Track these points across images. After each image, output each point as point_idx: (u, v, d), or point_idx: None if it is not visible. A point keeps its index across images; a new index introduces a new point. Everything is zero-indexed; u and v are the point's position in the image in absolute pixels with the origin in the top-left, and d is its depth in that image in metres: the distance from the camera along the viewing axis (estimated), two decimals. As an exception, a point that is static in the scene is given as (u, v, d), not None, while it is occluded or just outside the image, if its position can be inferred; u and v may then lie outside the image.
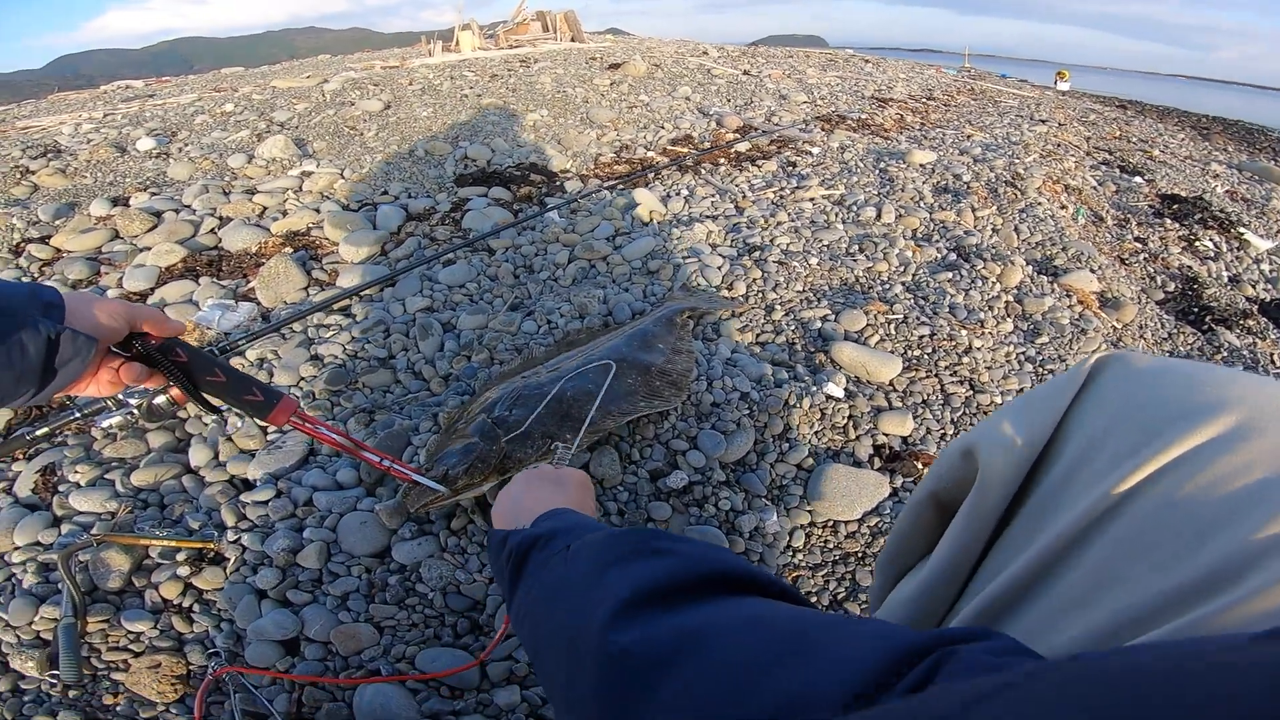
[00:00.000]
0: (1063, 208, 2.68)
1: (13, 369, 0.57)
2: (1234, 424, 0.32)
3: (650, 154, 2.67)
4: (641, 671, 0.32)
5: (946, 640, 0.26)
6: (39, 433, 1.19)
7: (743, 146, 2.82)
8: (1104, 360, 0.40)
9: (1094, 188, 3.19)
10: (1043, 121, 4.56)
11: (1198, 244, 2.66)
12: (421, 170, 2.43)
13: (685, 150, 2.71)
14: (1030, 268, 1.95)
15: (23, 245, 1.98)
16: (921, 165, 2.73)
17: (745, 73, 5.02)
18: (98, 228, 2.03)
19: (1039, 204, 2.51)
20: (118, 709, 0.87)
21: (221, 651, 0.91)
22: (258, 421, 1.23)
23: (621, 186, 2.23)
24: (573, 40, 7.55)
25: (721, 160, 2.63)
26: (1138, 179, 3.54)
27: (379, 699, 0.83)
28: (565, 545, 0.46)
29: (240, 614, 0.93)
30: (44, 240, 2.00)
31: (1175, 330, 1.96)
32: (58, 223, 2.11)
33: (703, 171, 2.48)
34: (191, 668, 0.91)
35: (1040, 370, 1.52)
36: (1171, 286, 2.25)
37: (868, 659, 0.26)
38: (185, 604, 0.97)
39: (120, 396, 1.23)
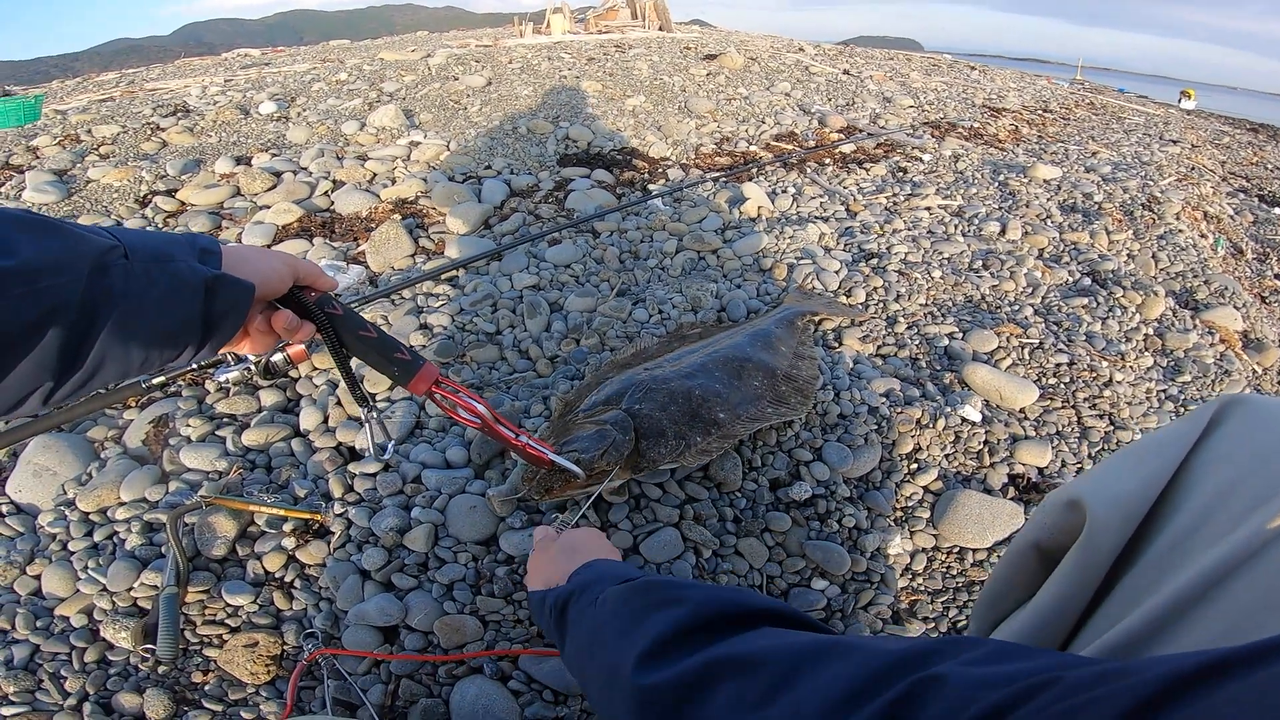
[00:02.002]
0: (1203, 236, 2.43)
1: (172, 316, 0.51)
2: None
3: (753, 148, 2.57)
4: (667, 705, 0.39)
5: (922, 653, 0.31)
6: (155, 381, 1.21)
7: (847, 148, 2.69)
8: (1227, 405, 0.39)
9: (1231, 217, 2.90)
10: (1174, 142, 4.17)
11: None
12: (524, 147, 2.42)
13: (790, 147, 2.60)
14: (1170, 299, 1.78)
15: (150, 197, 2.08)
16: (1045, 181, 2.53)
17: (845, 72, 4.82)
18: (221, 184, 2.11)
19: (1179, 231, 2.27)
20: (206, 688, 0.83)
21: (318, 633, 0.87)
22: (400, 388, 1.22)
23: (725, 179, 2.16)
24: (660, 29, 7.47)
25: (827, 160, 2.51)
26: (1278, 210, 3.20)
27: (482, 699, 0.78)
28: (594, 598, 0.53)
29: (343, 595, 0.89)
30: (170, 193, 2.10)
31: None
32: (184, 177, 2.22)
33: (808, 170, 2.37)
34: (286, 648, 0.87)
35: (1181, 410, 1.40)
36: None
37: (836, 686, 0.31)
38: (287, 578, 0.93)
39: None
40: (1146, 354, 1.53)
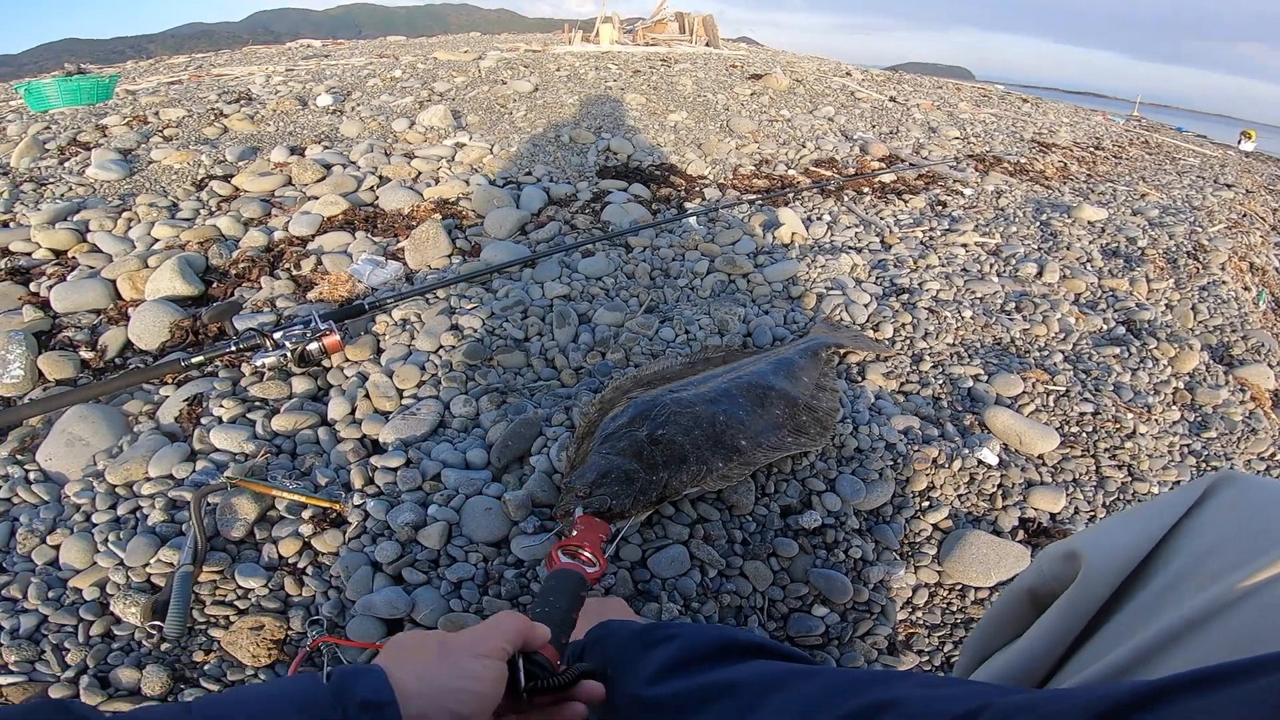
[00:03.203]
0: (1245, 289, 2.36)
1: None
2: None
3: (791, 172, 2.58)
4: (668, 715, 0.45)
5: (881, 679, 0.38)
6: (194, 360, 1.25)
7: (887, 177, 2.67)
8: (1220, 481, 0.45)
9: (1277, 269, 2.81)
10: (1228, 186, 4.05)
11: None
12: (565, 156, 2.47)
13: (829, 174, 2.60)
14: (1205, 353, 1.75)
15: (206, 180, 2.17)
16: (1090, 223, 2.48)
17: (891, 99, 4.79)
18: (274, 172, 2.19)
19: (1222, 282, 2.21)
20: (205, 668, 0.84)
21: (324, 621, 0.88)
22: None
23: (761, 202, 2.17)
24: (708, 45, 7.52)
25: (865, 189, 2.50)
26: None
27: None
28: (606, 643, 0.59)
29: (353, 585, 0.91)
30: (226, 178, 2.19)
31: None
32: (240, 164, 2.31)
33: (845, 198, 2.37)
34: (291, 633, 0.87)
35: (1203, 466, 1.38)
36: None
37: (798, 703, 0.37)
38: (300, 565, 0.95)
39: (278, 337, 1.29)
40: (1174, 408, 1.51)
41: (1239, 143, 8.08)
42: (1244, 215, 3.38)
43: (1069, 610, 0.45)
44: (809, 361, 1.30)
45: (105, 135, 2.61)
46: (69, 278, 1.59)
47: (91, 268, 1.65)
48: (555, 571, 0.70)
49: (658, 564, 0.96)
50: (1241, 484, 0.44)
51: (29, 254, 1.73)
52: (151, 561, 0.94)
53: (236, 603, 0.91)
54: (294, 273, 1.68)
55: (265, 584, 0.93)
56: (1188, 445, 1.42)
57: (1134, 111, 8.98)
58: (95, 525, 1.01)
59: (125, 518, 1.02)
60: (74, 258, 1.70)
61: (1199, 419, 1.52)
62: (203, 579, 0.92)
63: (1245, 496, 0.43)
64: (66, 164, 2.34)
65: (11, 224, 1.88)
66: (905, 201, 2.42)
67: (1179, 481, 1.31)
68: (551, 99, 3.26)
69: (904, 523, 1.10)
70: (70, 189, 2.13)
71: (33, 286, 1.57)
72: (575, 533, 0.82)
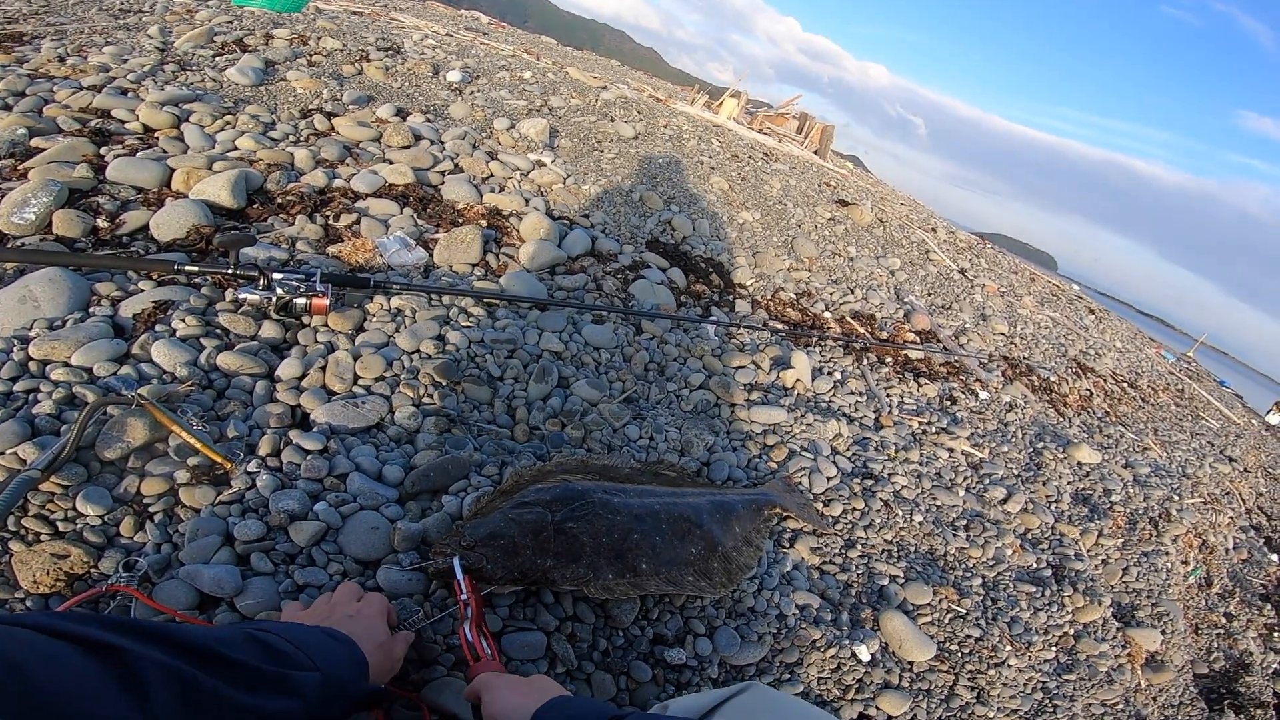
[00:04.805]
0: (1184, 563, 2.40)
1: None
2: None
3: (827, 314, 2.62)
4: None
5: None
6: (188, 267, 1.29)
7: (915, 354, 2.70)
8: (749, 686, 0.73)
9: (1227, 550, 2.84)
10: (1230, 460, 4.01)
11: (1277, 635, 2.46)
12: (626, 214, 2.56)
13: (862, 330, 2.64)
14: (1111, 610, 1.82)
15: (311, 112, 2.30)
16: (1079, 463, 2.51)
17: (961, 271, 4.85)
18: (372, 126, 2.32)
19: (1166, 553, 2.28)
20: None
21: (141, 571, 0.83)
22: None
23: (784, 336, 2.21)
24: (816, 153, 7.76)
25: (889, 358, 2.53)
26: (1275, 558, 3.10)
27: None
28: None
29: (193, 548, 0.87)
30: (329, 115, 2.32)
31: (1189, 701, 1.85)
32: (351, 107, 2.45)
33: (864, 360, 2.40)
34: (93, 572, 0.82)
35: (1046, 704, 1.43)
36: (1220, 664, 2.12)
37: None
38: (153, 509, 0.90)
39: (275, 278, 1.32)
40: (1052, 648, 1.56)
41: (1267, 414, 7.89)
42: (1226, 493, 3.36)
43: None
44: (749, 513, 1.31)
45: (267, 44, 2.80)
46: (138, 154, 1.69)
47: (165, 152, 1.76)
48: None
49: (511, 644, 0.96)
50: (759, 691, 0.71)
51: (123, 123, 1.85)
52: (6, 452, 0.87)
53: (59, 523, 0.85)
54: (329, 222, 1.76)
55: (103, 515, 0.87)
56: (1044, 683, 1.47)
57: (1190, 351, 8.89)
58: (-15, 393, 0.94)
59: (16, 395, 0.97)
60: (157, 138, 1.81)
61: (1068, 662, 1.56)
62: (46, 487, 0.86)
63: (758, 698, 0.69)
64: (218, 58, 2.51)
65: (130, 93, 2.02)
66: (919, 385, 2.44)
67: (1017, 711, 1.39)
68: (645, 151, 3.39)
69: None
70: (203, 80, 2.28)
71: (103, 150, 1.68)
72: (466, 599, 0.87)
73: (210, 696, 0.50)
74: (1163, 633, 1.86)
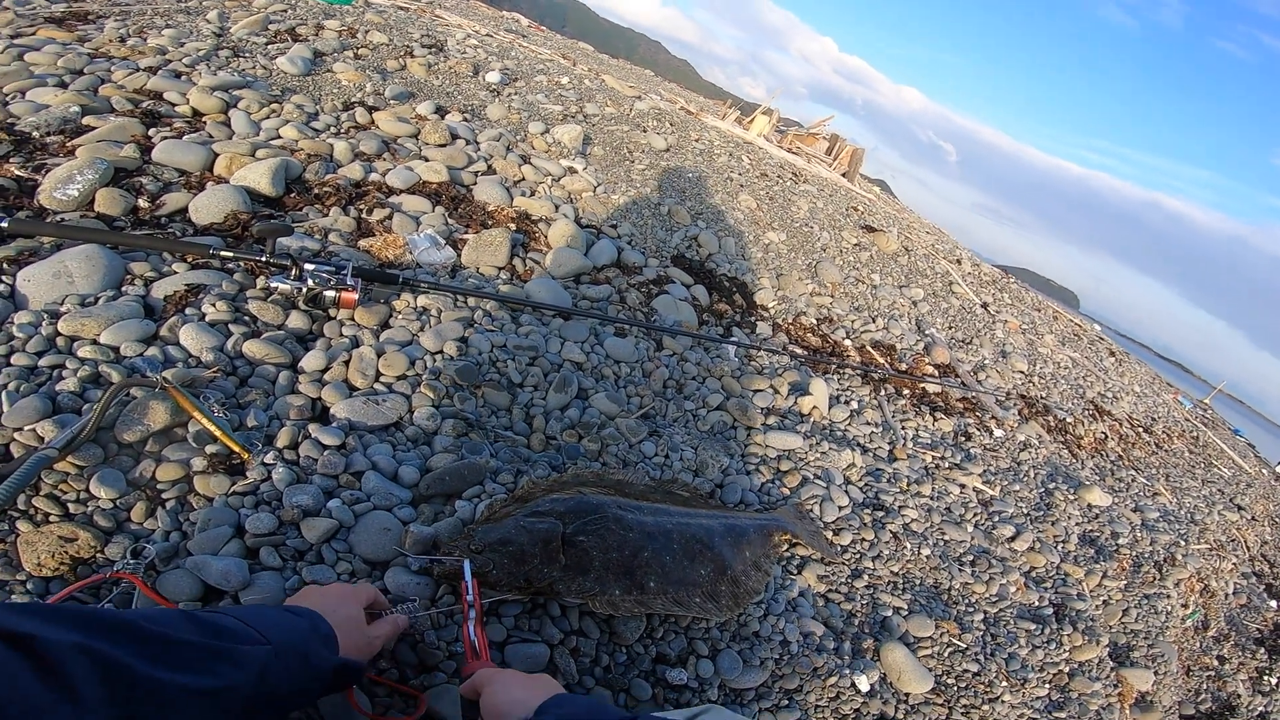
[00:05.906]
0: (1184, 606, 2.40)
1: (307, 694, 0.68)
2: None
3: (847, 342, 2.61)
4: None
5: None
6: (223, 252, 1.31)
7: (933, 387, 2.68)
8: (709, 708, 0.72)
9: (1227, 595, 2.80)
10: (1239, 508, 3.94)
11: (1266, 678, 2.45)
12: (653, 227, 2.57)
13: (881, 360, 2.63)
14: (1108, 650, 1.81)
15: (354, 104, 2.34)
16: (1089, 505, 2.49)
17: (984, 305, 4.81)
18: (411, 122, 2.35)
19: (1167, 596, 2.26)
20: None
21: (146, 558, 0.81)
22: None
23: (803, 362, 2.20)
24: (844, 175, 7.74)
25: (905, 390, 2.51)
26: (1274, 604, 3.05)
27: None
28: None
29: (201, 539, 0.85)
30: (371, 109, 2.35)
31: (1173, 742, 1.82)
32: (392, 102, 2.48)
33: (881, 391, 2.38)
34: (99, 557, 0.80)
35: None
36: (1208, 706, 2.11)
37: None
38: (165, 496, 0.89)
39: (307, 269, 1.33)
40: (1045, 685, 1.55)
41: (1278, 464, 7.75)
42: (1232, 540, 3.30)
43: None
44: (759, 538, 1.31)
45: (318, 34, 2.86)
46: (185, 137, 1.73)
47: (210, 137, 1.79)
48: None
49: (515, 654, 0.96)
50: (718, 714, 0.70)
51: (174, 105, 1.90)
52: (25, 428, 0.85)
53: (71, 504, 0.83)
54: (363, 216, 1.78)
55: (116, 498, 0.86)
56: (1033, 719, 1.47)
57: (1207, 399, 8.74)
58: (10, 365, 0.94)
59: (40, 370, 0.96)
60: (205, 123, 1.85)
61: (1060, 699, 1.56)
62: (62, 466, 0.84)
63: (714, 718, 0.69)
64: (270, 46, 2.57)
65: (184, 77, 2.07)
66: (935, 419, 2.42)
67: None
68: (674, 164, 3.41)
69: (757, 712, 1.11)
70: (254, 67, 2.34)
71: (151, 131, 1.72)
72: (471, 601, 0.88)
73: (139, 674, 0.48)
74: (1155, 673, 1.86)
